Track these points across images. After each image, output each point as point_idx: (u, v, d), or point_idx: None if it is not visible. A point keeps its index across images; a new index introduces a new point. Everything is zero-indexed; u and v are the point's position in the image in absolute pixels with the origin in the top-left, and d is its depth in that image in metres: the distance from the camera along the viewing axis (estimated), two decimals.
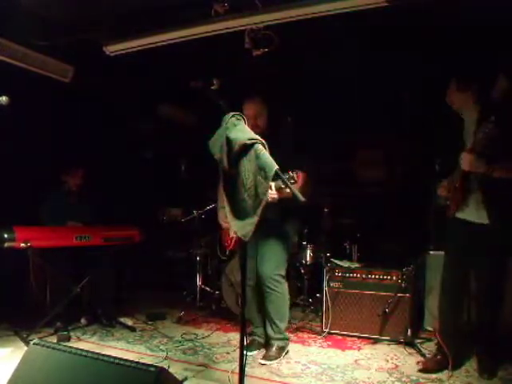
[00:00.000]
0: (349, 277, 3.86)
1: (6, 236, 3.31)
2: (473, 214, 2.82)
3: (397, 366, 3.12)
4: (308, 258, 4.46)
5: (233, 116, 2.29)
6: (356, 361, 3.25)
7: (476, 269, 2.95)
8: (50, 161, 4.49)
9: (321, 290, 4.01)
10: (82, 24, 3.51)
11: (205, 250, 4.95)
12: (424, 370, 2.99)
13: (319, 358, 3.32)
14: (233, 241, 3.57)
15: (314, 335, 3.87)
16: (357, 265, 4.04)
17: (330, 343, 3.67)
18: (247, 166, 2.17)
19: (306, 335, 3.89)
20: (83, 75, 4.23)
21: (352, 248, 4.68)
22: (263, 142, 2.18)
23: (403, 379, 2.88)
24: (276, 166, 2.06)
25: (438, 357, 3.01)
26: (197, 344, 3.61)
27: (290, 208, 3.13)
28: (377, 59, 3.96)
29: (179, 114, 5.90)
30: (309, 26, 3.08)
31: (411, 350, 3.42)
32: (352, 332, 3.78)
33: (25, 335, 3.50)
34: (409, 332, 3.53)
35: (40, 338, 2.31)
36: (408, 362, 3.21)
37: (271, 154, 2.14)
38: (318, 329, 3.97)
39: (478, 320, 3.09)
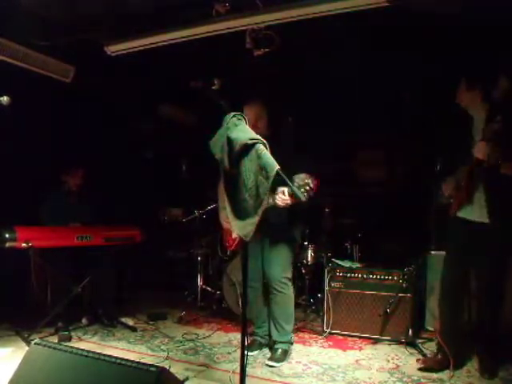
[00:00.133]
0: (350, 277, 3.86)
1: (7, 236, 3.31)
2: (475, 213, 2.82)
3: (398, 366, 3.12)
4: (309, 258, 4.46)
5: (234, 116, 2.29)
6: (357, 361, 3.25)
7: (476, 268, 2.95)
8: (49, 161, 4.49)
9: (322, 290, 4.01)
10: (83, 24, 3.51)
11: (206, 250, 4.95)
12: (424, 368, 2.99)
13: (320, 358, 3.32)
14: (235, 241, 3.57)
15: (315, 335, 3.86)
16: (358, 265, 4.04)
17: (331, 343, 3.67)
18: (248, 166, 2.17)
19: (307, 335, 3.89)
20: (84, 75, 4.23)
21: (353, 248, 4.68)
22: (264, 141, 2.18)
23: (404, 379, 2.88)
24: (277, 166, 2.06)
25: (439, 356, 3.01)
26: (198, 344, 3.61)
27: (297, 211, 3.13)
28: (377, 59, 3.96)
29: (180, 113, 5.90)
30: (310, 26, 3.07)
31: (412, 350, 3.42)
32: (353, 332, 3.78)
33: (26, 335, 3.51)
34: (410, 332, 3.53)
35: (41, 338, 2.32)
36: (409, 362, 3.21)
37: (272, 153, 2.14)
38: (319, 329, 3.96)
39: (478, 319, 3.09)
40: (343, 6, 2.84)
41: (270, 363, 3.12)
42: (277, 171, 2.05)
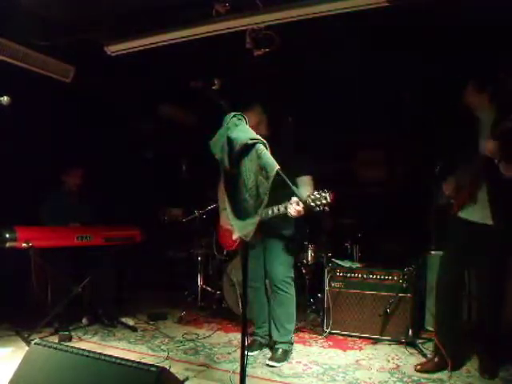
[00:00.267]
0: (350, 277, 3.86)
1: (7, 236, 3.31)
2: (477, 213, 2.82)
3: (398, 366, 3.12)
4: (309, 258, 4.46)
5: (234, 116, 2.29)
6: (357, 361, 3.25)
7: (477, 268, 2.95)
8: (49, 161, 4.49)
9: (322, 290, 4.01)
10: (83, 24, 3.51)
11: (206, 250, 4.95)
12: (420, 370, 2.98)
13: (320, 358, 3.32)
14: (236, 242, 3.57)
15: (315, 335, 3.87)
16: (358, 265, 4.04)
17: (331, 343, 3.67)
18: (248, 166, 2.16)
19: (307, 335, 3.89)
20: (84, 75, 4.23)
21: (353, 248, 4.68)
22: (264, 141, 2.17)
23: (404, 379, 2.88)
24: (277, 166, 2.06)
25: (436, 358, 3.00)
26: (198, 344, 3.61)
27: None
28: (377, 59, 3.96)
29: (180, 113, 5.90)
30: (310, 26, 3.07)
31: (412, 350, 3.43)
32: (353, 332, 3.78)
33: (26, 335, 3.51)
34: (410, 332, 3.53)
35: (41, 338, 2.32)
36: (409, 362, 3.21)
37: (272, 153, 2.13)
38: (319, 329, 3.97)
39: (478, 319, 3.09)
40: (343, 5, 2.84)
41: (271, 363, 3.13)
42: (277, 171, 2.04)
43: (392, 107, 4.77)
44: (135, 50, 3.49)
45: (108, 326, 3.98)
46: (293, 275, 3.36)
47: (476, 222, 2.82)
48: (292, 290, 3.32)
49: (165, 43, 3.37)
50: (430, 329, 3.85)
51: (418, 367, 3.03)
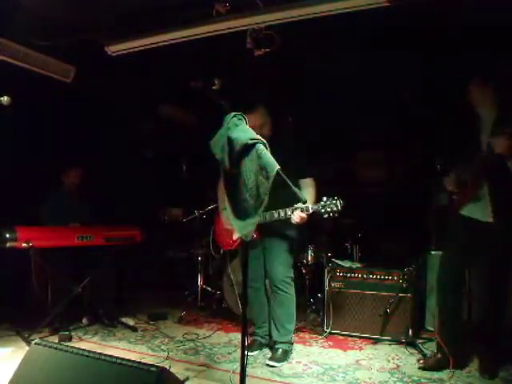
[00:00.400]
0: (350, 277, 3.86)
1: (7, 236, 3.32)
2: (479, 211, 2.82)
3: (398, 366, 3.12)
4: (309, 258, 4.46)
5: (234, 116, 2.29)
6: (357, 361, 3.25)
7: (477, 267, 2.95)
8: (49, 161, 4.49)
9: (322, 290, 4.01)
10: (83, 24, 3.51)
11: (206, 250, 4.94)
12: (423, 368, 2.99)
13: (320, 358, 3.32)
14: (236, 242, 3.57)
15: (315, 335, 3.87)
16: (358, 265, 4.04)
17: (331, 343, 3.67)
18: (249, 166, 2.16)
19: (307, 335, 3.89)
20: (84, 75, 4.23)
21: (353, 248, 4.67)
22: (264, 141, 2.18)
23: (405, 379, 2.88)
24: (277, 166, 2.06)
25: (438, 356, 3.01)
26: (198, 344, 3.61)
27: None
28: (378, 59, 3.96)
29: (180, 113, 5.90)
30: (310, 25, 3.07)
31: (412, 350, 3.43)
32: (353, 332, 3.78)
33: (26, 335, 3.51)
34: (410, 332, 3.53)
35: (41, 338, 2.32)
36: (409, 362, 3.21)
37: (272, 153, 2.14)
38: (319, 329, 3.97)
39: (478, 319, 3.09)
40: (343, 5, 2.84)
41: (271, 363, 3.13)
42: (277, 171, 2.05)
43: (392, 107, 4.77)
44: (135, 49, 3.48)
45: (108, 326, 3.98)
46: (293, 275, 3.37)
47: (477, 219, 2.82)
48: (292, 290, 3.32)
49: (165, 43, 3.37)
50: (431, 329, 3.86)
51: (421, 362, 3.05)
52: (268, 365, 3.12)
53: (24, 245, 3.36)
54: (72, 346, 2.16)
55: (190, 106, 5.48)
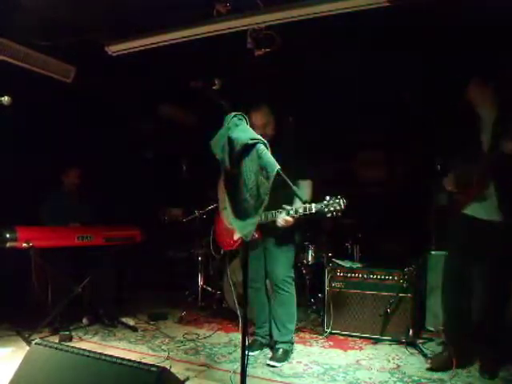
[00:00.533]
0: (350, 277, 3.86)
1: (8, 236, 3.32)
2: (484, 210, 2.81)
3: (398, 366, 3.12)
4: (310, 258, 4.46)
5: (234, 116, 2.29)
6: (358, 361, 3.25)
7: (479, 267, 2.94)
8: (49, 161, 4.49)
9: (322, 290, 4.01)
10: (84, 24, 3.51)
11: (206, 250, 4.94)
12: (431, 368, 2.99)
13: (321, 358, 3.32)
14: (237, 242, 3.57)
15: (315, 335, 3.87)
16: (358, 265, 4.04)
17: (331, 343, 3.67)
18: (249, 166, 2.16)
19: (307, 335, 3.89)
20: (84, 75, 4.23)
21: (353, 248, 4.67)
22: (265, 141, 2.17)
23: (405, 379, 2.88)
24: (278, 166, 2.06)
25: (445, 355, 3.00)
26: (198, 344, 3.61)
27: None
28: (378, 59, 3.96)
29: (180, 113, 5.90)
30: (310, 25, 3.07)
31: (413, 350, 3.43)
32: (353, 332, 3.78)
33: (26, 335, 3.51)
34: (410, 332, 3.53)
35: (42, 338, 2.32)
36: (410, 362, 3.21)
37: (273, 153, 2.14)
38: (320, 329, 3.97)
39: (478, 319, 3.08)
40: (344, 5, 2.84)
41: (271, 363, 3.13)
42: (277, 171, 2.04)
43: (392, 107, 4.77)
44: (136, 49, 3.49)
45: (108, 326, 3.98)
46: (293, 275, 3.36)
47: (481, 218, 2.82)
48: (293, 290, 3.33)
49: (166, 43, 3.37)
50: (431, 329, 3.86)
51: (429, 362, 3.05)
52: (269, 365, 3.12)
53: (24, 245, 3.36)
54: (72, 346, 2.16)
55: (190, 105, 5.48)
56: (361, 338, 3.75)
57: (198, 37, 3.23)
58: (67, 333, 3.63)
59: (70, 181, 4.38)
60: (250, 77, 4.33)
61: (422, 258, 3.93)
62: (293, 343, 3.39)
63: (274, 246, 3.28)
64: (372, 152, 5.61)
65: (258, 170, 2.12)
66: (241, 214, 2.22)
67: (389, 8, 2.82)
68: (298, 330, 3.94)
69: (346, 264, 4.01)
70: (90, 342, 3.58)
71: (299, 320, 4.16)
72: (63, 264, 3.84)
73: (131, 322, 4.10)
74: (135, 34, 3.36)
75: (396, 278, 3.69)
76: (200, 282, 4.84)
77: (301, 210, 2.98)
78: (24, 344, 3.38)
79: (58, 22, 3.51)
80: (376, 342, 3.66)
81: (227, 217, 3.24)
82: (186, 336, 3.79)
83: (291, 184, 2.26)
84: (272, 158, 2.10)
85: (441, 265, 3.81)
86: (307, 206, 2.93)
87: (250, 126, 2.34)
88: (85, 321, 4.05)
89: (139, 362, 1.96)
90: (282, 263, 3.28)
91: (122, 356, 2.03)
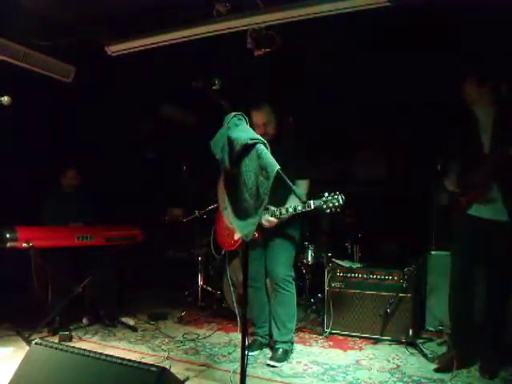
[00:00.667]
0: (350, 277, 3.86)
1: (8, 236, 3.31)
2: (489, 210, 2.81)
3: (398, 366, 3.12)
4: (309, 258, 4.46)
5: (234, 116, 2.29)
6: (357, 361, 3.25)
7: (482, 267, 2.93)
8: (49, 161, 4.49)
9: (322, 290, 4.01)
10: (83, 24, 3.51)
11: (206, 250, 4.94)
12: (438, 369, 2.97)
13: (321, 358, 3.32)
14: (238, 242, 3.57)
15: (315, 335, 3.87)
16: (358, 265, 4.04)
17: (331, 343, 3.67)
18: (249, 166, 2.16)
19: (307, 335, 3.89)
20: (84, 75, 4.23)
21: (353, 248, 4.68)
22: (265, 141, 2.18)
23: (405, 379, 2.88)
24: (277, 166, 2.06)
25: (450, 355, 3.00)
26: (198, 344, 3.61)
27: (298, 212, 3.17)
28: (377, 59, 3.96)
29: (180, 114, 5.90)
30: (310, 25, 3.07)
31: (413, 350, 3.43)
32: (353, 332, 3.78)
33: (26, 335, 3.51)
34: (410, 332, 3.53)
35: (42, 338, 2.32)
36: (410, 362, 3.21)
37: (272, 153, 2.14)
38: (320, 329, 3.97)
39: (480, 319, 3.08)
40: (344, 5, 2.84)
41: (271, 363, 3.13)
42: (277, 171, 2.05)
43: (392, 107, 4.77)
44: (136, 50, 3.48)
45: (108, 326, 3.98)
46: (293, 274, 3.36)
47: (487, 218, 2.81)
48: (293, 289, 3.33)
49: (166, 43, 3.37)
50: (431, 329, 3.86)
51: (436, 362, 3.04)
52: (268, 365, 3.12)
53: (24, 245, 3.36)
54: (72, 346, 2.16)
55: (190, 105, 5.48)
56: (361, 338, 3.75)
57: (197, 37, 3.23)
58: (67, 333, 3.62)
59: (68, 182, 4.38)
60: (250, 77, 4.33)
61: (422, 258, 3.93)
62: (293, 343, 3.39)
63: (275, 245, 3.28)
64: (372, 152, 5.62)
65: (257, 169, 2.12)
66: (241, 213, 2.22)
67: (389, 8, 2.82)
68: (298, 329, 3.94)
69: (346, 264, 4.01)
70: (90, 342, 3.58)
71: (299, 320, 4.17)
72: (63, 264, 3.84)
73: (131, 322, 4.10)
74: (135, 34, 3.36)
75: (396, 278, 3.69)
76: (200, 282, 4.83)
77: (299, 207, 2.99)
78: (24, 344, 3.39)
79: (58, 21, 3.51)
80: (376, 342, 3.66)
81: (227, 216, 3.25)
82: (185, 336, 3.79)
83: (291, 184, 2.26)
84: (272, 158, 2.10)
85: (441, 265, 3.83)
86: (306, 202, 2.94)
87: (251, 126, 2.35)
88: (85, 321, 4.05)
89: (139, 362, 1.96)
90: (283, 262, 3.28)
91: (121, 356, 2.04)
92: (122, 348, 3.46)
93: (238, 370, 2.25)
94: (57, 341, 3.41)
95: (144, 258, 5.28)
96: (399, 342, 3.58)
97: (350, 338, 3.77)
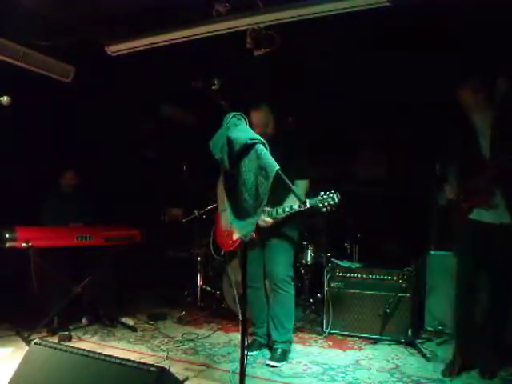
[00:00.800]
0: (349, 277, 3.86)
1: (7, 236, 3.31)
2: (491, 215, 2.80)
3: (398, 366, 3.12)
4: (309, 258, 4.46)
5: (234, 116, 2.29)
6: (357, 361, 3.25)
7: (490, 268, 2.92)
8: (49, 161, 4.49)
9: (321, 290, 4.01)
10: (83, 24, 3.51)
11: (205, 250, 4.94)
12: (447, 375, 2.94)
13: (320, 358, 3.32)
14: (236, 242, 3.57)
15: (314, 335, 3.87)
16: (357, 265, 4.04)
17: (330, 343, 3.67)
18: (248, 166, 2.16)
19: (306, 335, 3.89)
20: (84, 75, 4.23)
21: (353, 248, 4.68)
22: (264, 141, 2.18)
23: (404, 379, 2.88)
24: (277, 166, 2.06)
25: (457, 359, 2.98)
26: (198, 344, 3.61)
27: (297, 212, 3.17)
28: (378, 59, 3.96)
29: (180, 114, 5.90)
30: (310, 25, 3.07)
31: (412, 350, 3.43)
32: (353, 332, 3.78)
33: (26, 335, 3.51)
34: (409, 332, 3.53)
35: (41, 338, 2.32)
36: (409, 362, 3.21)
37: (272, 153, 2.14)
38: (319, 329, 3.96)
39: (481, 320, 3.07)
40: (344, 5, 2.84)
41: (271, 363, 3.12)
42: (277, 171, 2.05)
43: (393, 107, 4.77)
44: (136, 50, 3.49)
45: (108, 326, 3.98)
46: (292, 274, 3.36)
47: (491, 222, 2.80)
48: (292, 289, 3.32)
49: (166, 43, 3.37)
50: (430, 329, 3.86)
51: (447, 373, 2.95)
52: (268, 365, 3.12)
53: (23, 245, 3.36)
54: (71, 346, 2.16)
55: (190, 106, 5.48)
56: (360, 337, 3.75)
57: (197, 37, 3.24)
58: (66, 333, 3.62)
59: (67, 182, 4.39)
60: (250, 77, 4.33)
61: (421, 257, 3.93)
62: (291, 343, 3.38)
63: (274, 245, 3.27)
64: (373, 152, 5.62)
65: (257, 170, 2.12)
66: (240, 213, 2.22)
67: (389, 8, 2.82)
68: (298, 330, 3.94)
69: (345, 264, 4.01)
70: (89, 342, 3.58)
71: (298, 320, 4.17)
72: (62, 264, 3.84)
73: (130, 322, 4.10)
74: (135, 34, 3.36)
75: (395, 278, 3.69)
76: (199, 282, 4.83)
77: (296, 206, 3.00)
78: (23, 344, 3.38)
79: (58, 21, 3.51)
80: (375, 341, 3.66)
81: (226, 219, 3.25)
82: (185, 336, 3.79)
83: (290, 184, 2.26)
84: (271, 158, 2.10)
85: (441, 265, 3.83)
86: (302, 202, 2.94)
87: (250, 126, 2.35)
88: (84, 321, 4.05)
89: (138, 362, 1.96)
90: (282, 262, 3.28)
91: (121, 356, 2.04)
92: (121, 348, 3.46)
93: (238, 370, 2.25)
94: (56, 341, 3.41)
95: (143, 258, 5.28)
96: (398, 342, 3.58)
97: (349, 338, 3.77)
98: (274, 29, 3.21)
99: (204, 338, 3.77)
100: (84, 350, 2.08)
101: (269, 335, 3.43)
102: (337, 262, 4.10)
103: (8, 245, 3.32)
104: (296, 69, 4.31)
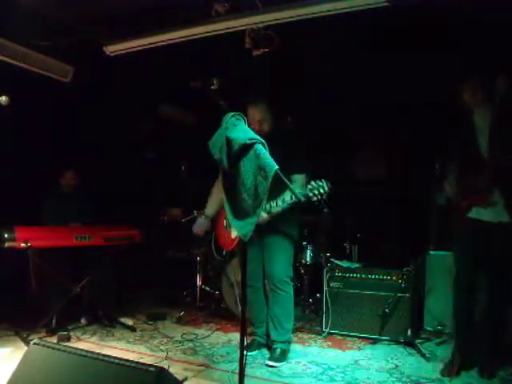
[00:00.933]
0: (349, 277, 3.86)
1: (6, 236, 3.31)
2: (490, 213, 2.80)
3: (397, 366, 3.12)
4: (308, 258, 4.46)
5: (233, 116, 2.29)
6: (356, 361, 3.25)
7: (489, 267, 2.92)
8: (50, 161, 4.49)
9: (321, 290, 4.01)
10: (83, 24, 3.51)
11: (205, 250, 4.94)
12: (447, 374, 2.95)
13: (319, 358, 3.32)
14: (235, 241, 3.57)
15: (314, 335, 3.87)
16: (357, 265, 4.04)
17: (330, 343, 3.67)
18: (247, 166, 2.16)
19: (306, 335, 3.89)
20: (83, 75, 4.23)
21: (352, 248, 4.68)
22: (263, 141, 2.17)
23: (403, 379, 2.88)
24: (276, 166, 2.06)
25: (457, 358, 2.98)
26: (197, 344, 3.61)
27: (295, 211, 3.15)
28: (377, 59, 3.96)
29: (180, 114, 5.90)
30: (309, 25, 3.07)
31: (411, 350, 3.43)
32: (352, 332, 3.78)
33: (25, 335, 3.51)
34: (409, 332, 3.53)
35: (40, 338, 2.32)
36: (408, 362, 3.21)
37: (271, 153, 2.13)
38: (318, 329, 3.96)
39: (481, 319, 3.07)
40: (342, 6, 2.84)
41: (270, 363, 3.12)
42: (276, 171, 2.04)
43: (392, 107, 4.77)
44: (135, 50, 3.49)
45: (107, 326, 3.98)
46: (291, 274, 3.36)
47: (490, 221, 2.80)
48: (291, 290, 3.32)
49: (164, 43, 3.37)
50: (429, 329, 3.86)
51: (446, 373, 2.95)
52: (267, 365, 3.12)
53: (22, 245, 3.36)
54: (70, 346, 2.16)
55: (190, 105, 5.48)
56: (359, 337, 3.75)
57: (196, 37, 3.23)
58: (65, 333, 3.63)
59: (67, 182, 4.39)
60: (249, 77, 4.33)
61: (420, 257, 3.93)
62: (290, 343, 3.38)
63: (273, 244, 3.27)
64: (372, 152, 5.62)
65: (256, 170, 2.12)
66: (239, 213, 2.22)
67: (388, 8, 2.82)
68: (297, 330, 3.94)
69: (345, 264, 4.01)
70: (88, 342, 3.58)
71: (297, 320, 4.17)
72: (62, 264, 3.84)
73: (129, 322, 4.10)
74: (134, 34, 3.36)
75: (394, 278, 3.69)
76: (199, 282, 4.83)
77: (287, 198, 2.94)
78: (22, 344, 3.38)
79: (58, 21, 3.52)
80: (374, 341, 3.66)
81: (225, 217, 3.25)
82: (184, 336, 3.79)
83: (289, 184, 2.26)
84: (270, 158, 2.10)
85: (440, 265, 3.83)
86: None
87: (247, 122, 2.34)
88: (83, 321, 4.05)
89: (137, 362, 1.96)
90: (281, 263, 3.27)
91: (120, 356, 2.04)
92: (120, 348, 3.46)
93: (237, 370, 2.25)
94: (55, 341, 3.41)
95: (143, 258, 5.28)
96: (398, 342, 3.58)
97: (348, 338, 3.77)
98: (272, 29, 3.21)
99: (203, 338, 3.77)
100: (83, 350, 2.08)
101: (268, 335, 3.43)
102: (336, 261, 4.10)
103: (7, 245, 3.32)
104: (295, 69, 4.31)
